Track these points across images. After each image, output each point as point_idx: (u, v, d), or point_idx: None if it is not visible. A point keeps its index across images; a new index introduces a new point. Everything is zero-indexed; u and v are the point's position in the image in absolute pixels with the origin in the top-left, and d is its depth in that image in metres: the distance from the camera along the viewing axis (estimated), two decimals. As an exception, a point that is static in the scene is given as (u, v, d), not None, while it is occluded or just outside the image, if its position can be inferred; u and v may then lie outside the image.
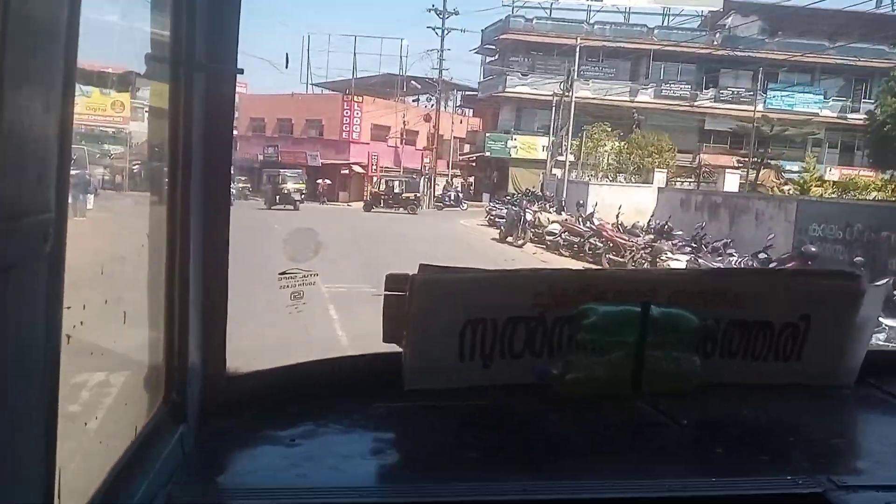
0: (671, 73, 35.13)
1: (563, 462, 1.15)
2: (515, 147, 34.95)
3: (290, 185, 28.26)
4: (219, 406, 1.16)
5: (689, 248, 15.05)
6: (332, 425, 1.21)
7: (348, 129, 36.01)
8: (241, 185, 36.04)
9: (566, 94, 28.79)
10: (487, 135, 35.74)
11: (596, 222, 17.13)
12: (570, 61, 31.12)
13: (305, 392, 1.28)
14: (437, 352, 1.32)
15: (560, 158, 28.25)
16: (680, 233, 16.40)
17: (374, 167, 35.95)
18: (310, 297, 1.39)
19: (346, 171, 35.48)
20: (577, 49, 28.50)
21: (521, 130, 35.34)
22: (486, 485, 1.03)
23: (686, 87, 34.92)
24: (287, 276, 1.37)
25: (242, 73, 1.04)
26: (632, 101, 34.25)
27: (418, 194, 30.21)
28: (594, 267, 12.21)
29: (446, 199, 34.32)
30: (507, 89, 34.92)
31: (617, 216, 17.98)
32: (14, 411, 0.61)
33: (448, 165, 36.18)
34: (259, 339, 5.13)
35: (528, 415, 1.32)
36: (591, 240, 15.77)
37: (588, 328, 1.29)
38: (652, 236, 16.02)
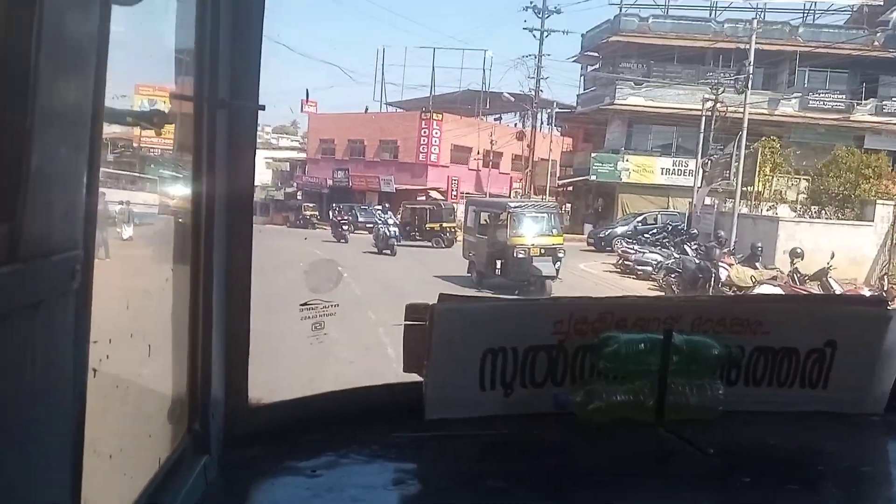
0: (818, 80, 33.23)
1: (586, 492, 1.29)
2: (627, 170, 33.55)
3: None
4: (241, 436, 1.35)
5: None
6: (353, 456, 1.39)
7: (426, 150, 36.68)
8: (308, 213, 37.79)
9: (718, 102, 26.57)
10: (593, 155, 34.09)
11: (834, 286, 12.94)
12: (701, 66, 29.74)
13: (327, 422, 1.47)
14: (458, 381, 1.49)
15: (713, 186, 24.96)
16: None
17: (454, 192, 36.13)
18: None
19: (423, 197, 36.20)
20: (752, 45, 24.71)
21: (633, 150, 34.14)
22: None
23: (840, 97, 32.80)
24: (308, 307, 1.55)
25: (264, 108, 1.24)
26: (771, 114, 32.48)
27: (453, 225, 27.02)
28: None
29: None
30: (616, 101, 33.53)
31: (882, 278, 13.40)
32: (41, 444, 0.70)
33: (545, 192, 35.21)
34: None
35: (550, 444, 1.47)
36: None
37: (610, 356, 1.45)
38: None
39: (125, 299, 1.22)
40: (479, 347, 1.50)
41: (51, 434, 0.72)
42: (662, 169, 32.99)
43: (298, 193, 42.70)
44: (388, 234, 22.15)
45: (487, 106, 39.84)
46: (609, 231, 28.23)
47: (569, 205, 38.90)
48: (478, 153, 37.83)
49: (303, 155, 47.06)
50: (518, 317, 1.55)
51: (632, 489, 1.32)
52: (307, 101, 41.32)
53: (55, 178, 0.68)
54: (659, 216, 28.48)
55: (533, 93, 35.90)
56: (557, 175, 36.71)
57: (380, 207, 26.96)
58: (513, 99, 37.12)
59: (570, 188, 37.71)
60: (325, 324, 1.58)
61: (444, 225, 26.45)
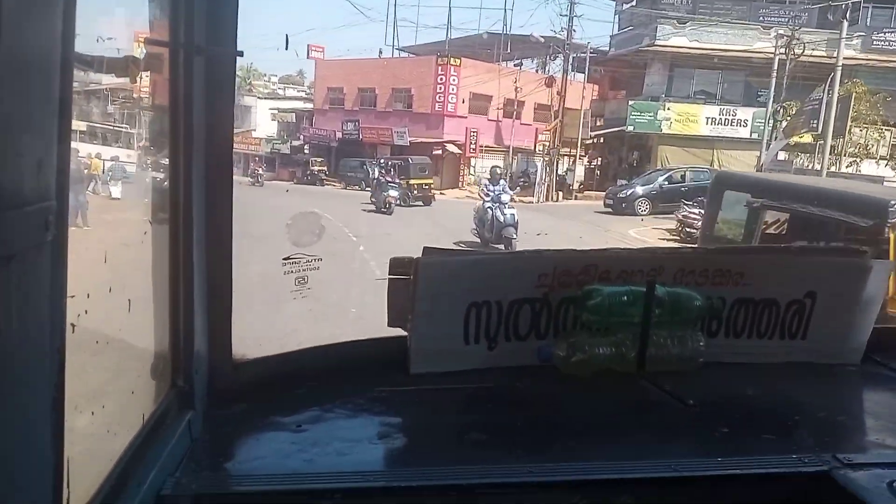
0: (882, 18, 31.97)
1: (568, 443, 1.41)
2: (668, 120, 32.43)
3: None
4: (225, 392, 1.45)
5: None
6: (337, 410, 1.51)
7: (442, 99, 36.17)
8: (316, 168, 37.52)
9: (795, 41, 24.83)
10: (631, 104, 32.89)
11: None
12: (752, 2, 28.43)
13: (311, 377, 1.59)
14: (442, 335, 1.62)
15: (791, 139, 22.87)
16: None
17: (473, 146, 35.85)
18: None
19: (439, 152, 35.52)
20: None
21: (673, 97, 33.07)
22: (492, 467, 1.28)
23: (907, 37, 31.51)
24: (291, 261, 1.67)
25: (242, 55, 1.30)
26: (831, 57, 31.28)
27: (425, 182, 26.54)
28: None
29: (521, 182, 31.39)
30: (657, 42, 32.06)
31: None
32: (21, 401, 0.75)
33: (574, 144, 34.26)
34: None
35: (533, 396, 1.60)
36: None
37: (593, 309, 1.59)
38: None
39: (104, 254, 1.29)
40: (463, 301, 1.62)
41: (30, 391, 0.77)
42: (708, 118, 32.05)
43: (305, 147, 42.76)
44: (501, 218, 14.85)
45: (509, 50, 39.03)
46: (630, 191, 26.16)
47: (598, 160, 38.01)
48: (500, 102, 37.22)
49: (310, 105, 46.97)
50: (502, 270, 1.66)
51: (613, 440, 1.45)
52: (308, 47, 40.79)
53: (24, 127, 0.72)
54: (688, 172, 26.76)
55: (565, 32, 34.20)
56: (589, 126, 35.40)
57: (487, 175, 17.42)
58: (542, 40, 35.91)
59: (601, 140, 36.82)
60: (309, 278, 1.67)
61: (411, 181, 25.55)
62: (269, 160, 44.33)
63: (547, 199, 31.69)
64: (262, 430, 1.41)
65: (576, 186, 33.79)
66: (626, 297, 1.60)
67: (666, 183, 26.10)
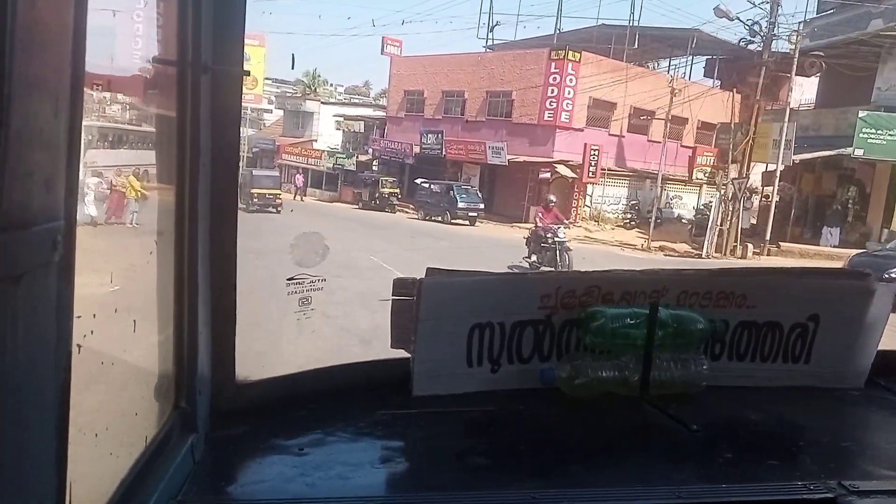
0: None
1: (572, 468, 1.76)
2: None
3: None
4: (228, 414, 1.82)
5: None
6: (340, 433, 1.87)
7: (555, 105, 34.46)
8: (386, 189, 37.69)
9: None
10: (862, 116, 28.65)
11: None
12: None
13: (314, 399, 1.98)
14: (445, 357, 2.03)
15: None
16: None
17: (593, 168, 33.84)
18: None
19: (547, 174, 34.16)
20: None
21: None
22: (495, 493, 1.61)
23: None
24: (295, 281, 2.09)
25: (248, 74, 1.65)
26: None
27: (277, 193, 36.55)
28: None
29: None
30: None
31: None
32: (25, 422, 0.90)
33: (776, 173, 30.80)
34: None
35: (537, 420, 1.99)
36: None
37: (597, 331, 1.99)
38: None
39: (110, 277, 1.62)
40: (466, 322, 2.02)
41: (34, 411, 0.93)
42: None
43: (374, 163, 43.84)
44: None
45: (636, 45, 37.63)
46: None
47: (783, 195, 32.37)
48: (626, 112, 35.66)
49: (380, 114, 47.73)
50: (505, 291, 2.06)
51: (617, 465, 1.80)
52: (382, 40, 41.65)
53: (35, 146, 0.87)
54: None
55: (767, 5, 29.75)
56: (792, 147, 30.18)
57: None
58: (732, 15, 30.22)
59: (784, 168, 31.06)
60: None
61: (252, 191, 35.09)
62: (331, 177, 45.33)
63: (722, 252, 29.15)
64: (264, 453, 1.76)
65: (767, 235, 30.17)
66: (629, 320, 1.98)
67: None
